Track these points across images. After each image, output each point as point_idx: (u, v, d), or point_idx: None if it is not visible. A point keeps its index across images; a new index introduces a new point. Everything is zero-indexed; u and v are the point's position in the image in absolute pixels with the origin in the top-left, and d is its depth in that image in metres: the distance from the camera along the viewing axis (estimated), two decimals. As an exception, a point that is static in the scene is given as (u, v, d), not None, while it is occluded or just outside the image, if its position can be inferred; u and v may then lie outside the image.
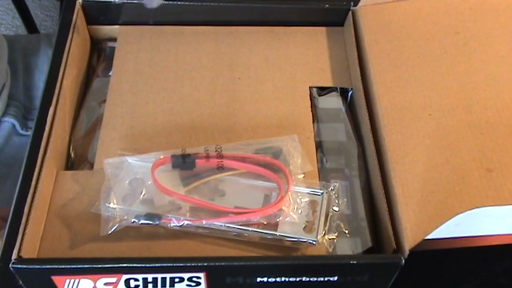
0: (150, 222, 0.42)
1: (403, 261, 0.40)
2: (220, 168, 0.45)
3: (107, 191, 0.43)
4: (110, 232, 0.42)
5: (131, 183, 0.44)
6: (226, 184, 0.45)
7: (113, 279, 0.40)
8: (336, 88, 0.54)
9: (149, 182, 0.44)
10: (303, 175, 0.46)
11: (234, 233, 0.43)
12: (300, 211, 0.44)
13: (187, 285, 0.41)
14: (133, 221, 0.42)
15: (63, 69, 0.50)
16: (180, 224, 0.42)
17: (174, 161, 0.45)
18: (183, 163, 0.45)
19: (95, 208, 0.43)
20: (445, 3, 0.56)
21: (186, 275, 0.40)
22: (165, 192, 0.43)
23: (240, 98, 0.52)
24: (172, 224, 0.42)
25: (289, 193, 0.43)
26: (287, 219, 0.43)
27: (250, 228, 0.42)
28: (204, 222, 0.42)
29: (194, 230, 0.42)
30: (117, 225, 0.42)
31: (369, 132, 0.48)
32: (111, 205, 0.42)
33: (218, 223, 0.42)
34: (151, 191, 0.44)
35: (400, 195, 0.43)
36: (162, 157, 0.45)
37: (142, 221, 0.42)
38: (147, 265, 0.40)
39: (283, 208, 0.43)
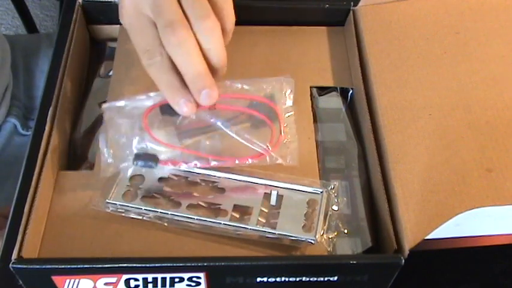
0: (149, 163, 0.44)
1: (403, 261, 0.40)
2: (213, 110, 0.44)
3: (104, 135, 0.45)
4: (108, 175, 0.44)
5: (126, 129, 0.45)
6: (225, 182, 0.46)
7: (113, 279, 0.40)
8: (336, 88, 0.54)
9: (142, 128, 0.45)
10: (292, 113, 0.47)
11: (233, 230, 0.43)
12: (299, 210, 0.44)
13: (187, 285, 0.41)
14: (135, 163, 0.44)
15: (63, 69, 0.50)
16: (178, 168, 0.44)
17: (163, 108, 0.44)
18: (172, 108, 0.43)
19: (95, 203, 0.44)
20: (445, 3, 0.56)
21: (186, 275, 0.41)
22: (160, 143, 0.44)
23: (240, 98, 0.52)
24: (169, 168, 0.44)
25: (282, 128, 0.45)
26: (278, 161, 0.44)
27: (249, 227, 0.42)
28: (210, 160, 0.44)
29: (191, 222, 0.43)
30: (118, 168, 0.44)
31: (369, 132, 0.48)
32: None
33: (216, 174, 0.45)
34: (145, 138, 0.45)
35: (400, 195, 0.43)
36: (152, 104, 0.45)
37: (139, 164, 0.43)
38: (147, 265, 0.40)
39: (269, 148, 0.44)
